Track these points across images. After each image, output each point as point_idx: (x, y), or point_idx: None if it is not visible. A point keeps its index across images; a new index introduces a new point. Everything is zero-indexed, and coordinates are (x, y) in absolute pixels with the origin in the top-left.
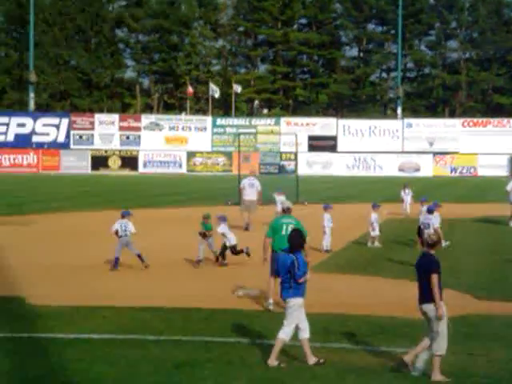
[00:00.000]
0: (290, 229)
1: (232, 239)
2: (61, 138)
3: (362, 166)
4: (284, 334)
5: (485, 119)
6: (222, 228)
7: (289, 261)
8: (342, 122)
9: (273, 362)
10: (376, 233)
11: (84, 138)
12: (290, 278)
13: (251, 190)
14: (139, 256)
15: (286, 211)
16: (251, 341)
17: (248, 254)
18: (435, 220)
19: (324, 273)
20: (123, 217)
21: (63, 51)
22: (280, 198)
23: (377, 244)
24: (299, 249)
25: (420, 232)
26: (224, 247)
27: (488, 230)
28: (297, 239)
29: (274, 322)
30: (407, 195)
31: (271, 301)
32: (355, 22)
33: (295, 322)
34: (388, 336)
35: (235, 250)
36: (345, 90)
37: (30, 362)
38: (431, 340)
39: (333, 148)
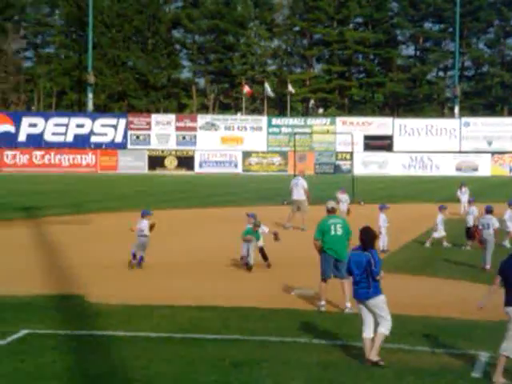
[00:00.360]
0: (338, 228)
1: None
2: (118, 139)
3: (419, 165)
4: (384, 328)
5: None
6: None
7: (364, 259)
8: (398, 121)
9: (375, 356)
10: (440, 234)
11: (141, 138)
12: (366, 276)
13: (297, 190)
14: (141, 258)
15: (331, 211)
16: (308, 340)
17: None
18: (495, 220)
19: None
20: (143, 216)
21: (121, 52)
22: (343, 197)
23: (446, 244)
24: (372, 245)
25: (469, 233)
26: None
27: None
28: (369, 235)
29: (331, 321)
30: (463, 194)
31: (323, 302)
32: (412, 21)
33: (389, 313)
34: (446, 337)
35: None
36: (401, 89)
37: (91, 359)
38: (504, 339)
39: (389, 147)
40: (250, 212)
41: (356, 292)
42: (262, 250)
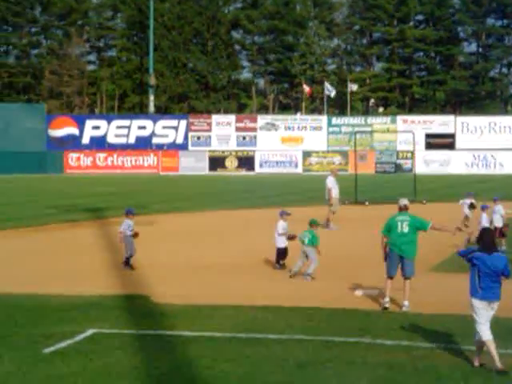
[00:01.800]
0: (404, 226)
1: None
2: (179, 140)
3: (482, 163)
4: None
5: None
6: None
7: (504, 261)
8: (461, 119)
9: (500, 364)
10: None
11: (202, 139)
12: (498, 277)
13: (335, 189)
14: (127, 258)
15: (403, 208)
16: (372, 340)
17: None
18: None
19: (444, 272)
20: (127, 215)
21: (181, 54)
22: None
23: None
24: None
25: (500, 232)
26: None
27: None
28: (493, 237)
29: (395, 321)
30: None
31: (387, 299)
32: (474, 17)
33: None
34: None
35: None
36: (463, 87)
37: (157, 358)
38: None
39: (451, 146)
40: (284, 210)
41: (491, 293)
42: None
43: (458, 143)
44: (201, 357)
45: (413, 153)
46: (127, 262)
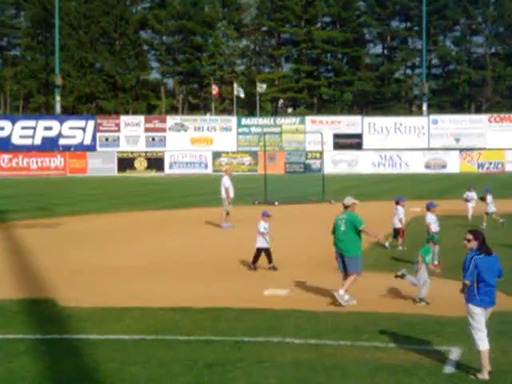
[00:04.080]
0: (342, 224)
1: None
2: (87, 141)
3: (388, 163)
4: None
5: (511, 114)
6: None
7: (498, 263)
8: (367, 119)
9: (486, 376)
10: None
11: (110, 139)
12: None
13: (220, 188)
14: None
15: (344, 207)
16: (281, 339)
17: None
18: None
19: None
20: None
21: (88, 54)
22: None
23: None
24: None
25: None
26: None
27: None
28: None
29: (304, 320)
30: (471, 199)
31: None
32: (379, 19)
33: None
34: (418, 334)
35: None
36: (369, 88)
37: (63, 364)
38: None
39: (358, 146)
40: (265, 211)
41: (489, 297)
42: (267, 251)
43: (365, 143)
44: (109, 360)
45: (321, 153)
46: None
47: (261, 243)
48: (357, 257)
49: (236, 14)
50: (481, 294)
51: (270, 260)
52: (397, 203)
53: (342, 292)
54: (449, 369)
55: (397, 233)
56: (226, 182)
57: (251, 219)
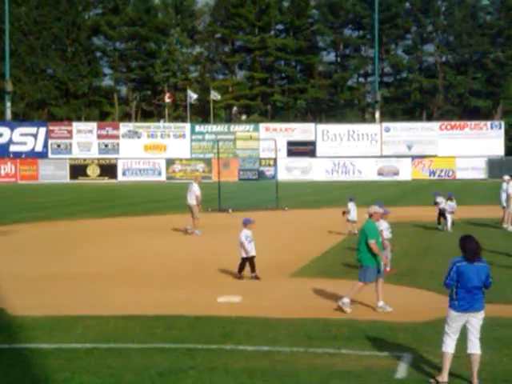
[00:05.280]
0: (360, 233)
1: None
2: (38, 148)
3: (341, 170)
4: (479, 349)
5: (462, 122)
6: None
7: (486, 270)
8: (321, 126)
9: (445, 379)
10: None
11: (62, 146)
12: (480, 288)
13: (189, 195)
14: None
15: (369, 216)
16: (234, 347)
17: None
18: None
19: (305, 277)
20: None
21: (39, 60)
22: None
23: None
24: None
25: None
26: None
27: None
28: (478, 245)
29: (257, 327)
30: (449, 209)
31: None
32: (332, 27)
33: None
34: (370, 340)
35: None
36: (323, 95)
37: (12, 374)
38: None
39: (312, 153)
40: (247, 218)
41: (473, 303)
42: (251, 260)
43: (319, 151)
44: (60, 369)
45: (275, 160)
46: None
47: (243, 252)
48: (368, 266)
49: (190, 21)
50: (458, 300)
51: (252, 269)
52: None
53: (345, 300)
54: (400, 374)
55: None
56: (197, 189)
57: (207, 226)
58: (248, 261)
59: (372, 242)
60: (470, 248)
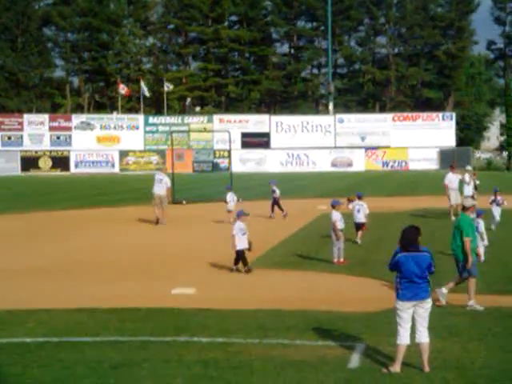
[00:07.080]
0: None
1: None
2: None
3: (296, 162)
4: (427, 338)
5: (414, 113)
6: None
7: (428, 257)
8: (275, 118)
9: (397, 369)
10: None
11: (13, 138)
12: (425, 277)
13: (160, 186)
14: None
15: (462, 210)
16: (189, 338)
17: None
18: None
19: (260, 268)
20: None
21: None
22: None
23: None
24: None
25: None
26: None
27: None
28: (415, 234)
29: (212, 319)
30: (468, 185)
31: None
32: (286, 19)
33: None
34: (324, 330)
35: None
36: (277, 87)
37: None
38: None
39: (266, 144)
40: (241, 210)
41: (418, 292)
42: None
43: (273, 142)
44: (10, 364)
45: (229, 152)
46: None
47: (241, 245)
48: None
49: (142, 12)
50: (403, 289)
51: (245, 263)
52: (359, 198)
53: (444, 290)
54: (353, 364)
55: (359, 227)
56: (168, 180)
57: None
58: (236, 253)
59: (467, 240)
60: (405, 237)
